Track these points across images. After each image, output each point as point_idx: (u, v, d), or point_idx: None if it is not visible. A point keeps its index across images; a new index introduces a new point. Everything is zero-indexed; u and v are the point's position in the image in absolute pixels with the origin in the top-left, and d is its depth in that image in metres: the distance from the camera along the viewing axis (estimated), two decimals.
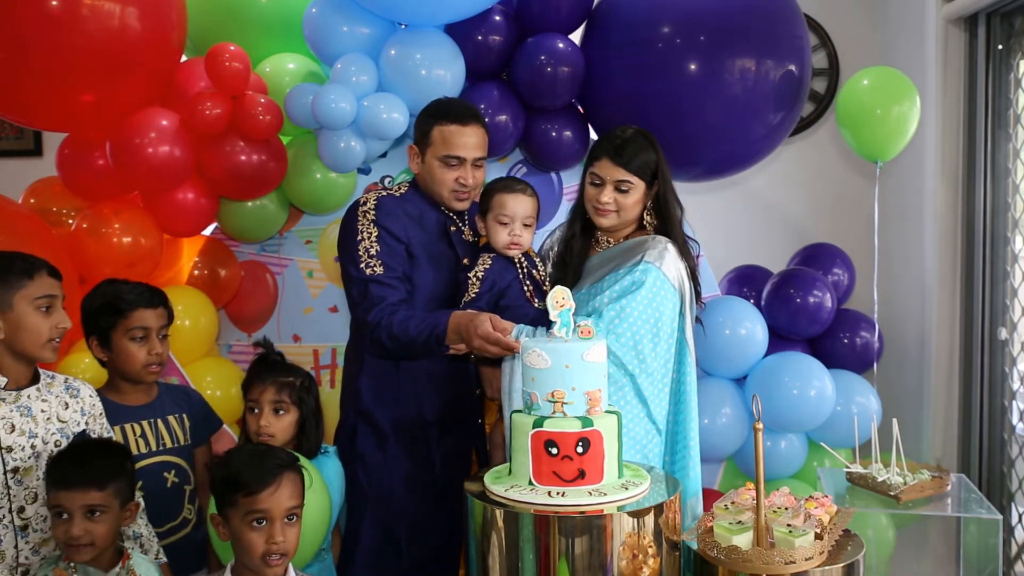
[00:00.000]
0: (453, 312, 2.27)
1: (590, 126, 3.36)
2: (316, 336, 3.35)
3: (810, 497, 2.00)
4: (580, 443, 1.88)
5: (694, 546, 1.94)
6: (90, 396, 2.18)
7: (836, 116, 3.50)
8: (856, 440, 2.93)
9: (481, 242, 2.56)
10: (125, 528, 2.06)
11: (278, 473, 1.88)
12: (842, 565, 1.85)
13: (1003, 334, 3.44)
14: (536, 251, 2.68)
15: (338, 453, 2.54)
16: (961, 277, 3.61)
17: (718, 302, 3.36)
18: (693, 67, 3.08)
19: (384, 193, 2.53)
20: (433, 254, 2.51)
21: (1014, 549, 3.38)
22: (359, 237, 2.43)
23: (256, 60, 3.09)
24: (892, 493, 2.60)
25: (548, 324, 2.07)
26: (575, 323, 2.01)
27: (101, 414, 2.20)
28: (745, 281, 3.68)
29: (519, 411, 2.00)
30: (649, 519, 1.88)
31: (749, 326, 3.29)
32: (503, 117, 3.14)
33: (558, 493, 1.87)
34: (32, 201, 3.16)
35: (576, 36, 3.29)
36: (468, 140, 2.48)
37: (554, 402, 1.90)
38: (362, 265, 2.39)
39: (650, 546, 1.87)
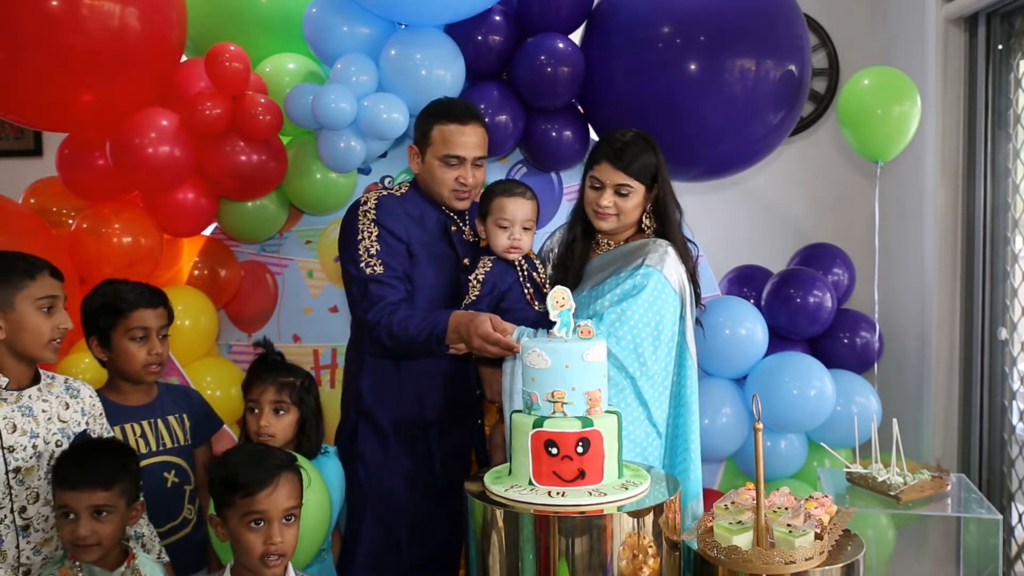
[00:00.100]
0: (453, 312, 2.27)
1: (590, 126, 3.36)
2: (316, 336, 3.35)
3: (810, 497, 2.00)
4: (580, 443, 1.88)
5: (694, 546, 1.94)
6: (90, 396, 2.19)
7: (837, 116, 3.50)
8: (856, 440, 2.93)
9: (482, 243, 2.56)
10: (128, 528, 2.06)
11: (275, 474, 1.88)
12: (842, 565, 1.85)
13: (1003, 334, 3.44)
14: (536, 253, 2.68)
15: (338, 452, 2.54)
16: (961, 277, 3.61)
17: (718, 302, 3.36)
18: (693, 67, 3.08)
19: (385, 193, 2.53)
20: (433, 254, 2.51)
21: (1014, 549, 3.38)
22: (359, 236, 2.43)
23: (256, 60, 3.09)
24: (892, 493, 2.60)
25: (548, 326, 2.07)
26: (575, 323, 2.01)
27: (101, 414, 2.20)
28: (745, 281, 3.68)
29: (519, 411, 2.00)
30: (649, 519, 1.88)
31: (749, 326, 3.29)
32: (503, 117, 3.14)
33: (558, 493, 1.87)
34: (32, 201, 3.16)
35: (576, 36, 3.29)
36: (468, 140, 2.48)
37: (554, 402, 1.90)
38: (362, 264, 2.40)
39: (650, 546, 1.87)
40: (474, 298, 2.44)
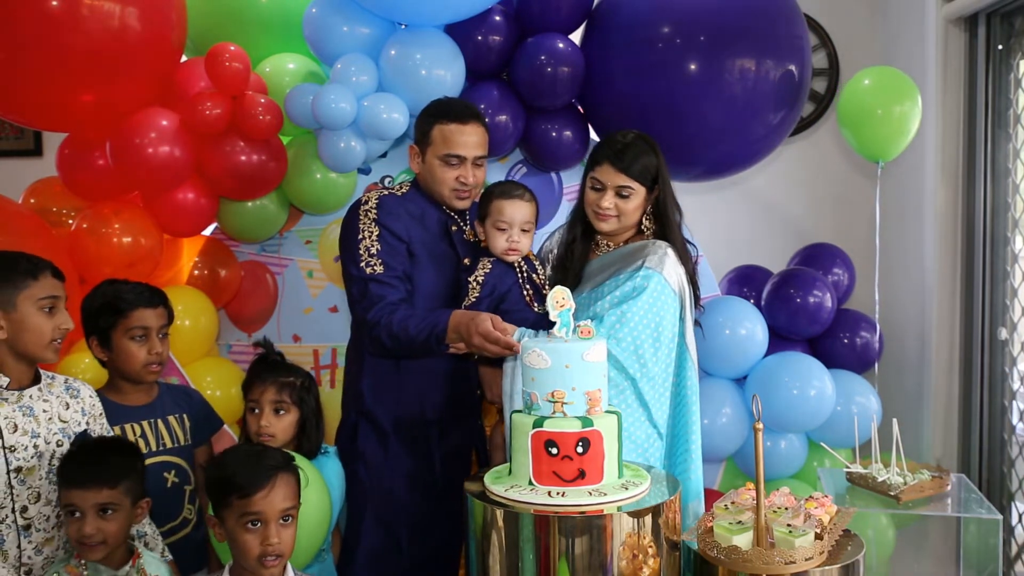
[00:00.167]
0: (453, 311, 2.27)
1: (590, 126, 3.36)
2: (316, 336, 3.35)
3: (810, 497, 2.00)
4: (580, 443, 1.88)
5: (694, 546, 1.94)
6: (90, 396, 2.19)
7: (837, 116, 3.51)
8: (856, 440, 2.93)
9: (483, 243, 2.56)
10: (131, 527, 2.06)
11: (272, 475, 1.87)
12: (842, 565, 1.85)
13: (1003, 334, 3.45)
14: (535, 253, 2.68)
15: (339, 452, 2.54)
16: (961, 277, 3.61)
17: (718, 302, 3.36)
18: (693, 67, 3.08)
19: (386, 192, 2.53)
20: (434, 253, 2.51)
21: (1014, 549, 3.38)
22: (360, 236, 2.43)
23: (256, 60, 3.09)
24: (892, 493, 2.60)
25: (548, 328, 2.07)
26: (575, 323, 2.01)
27: (101, 414, 2.20)
28: (745, 281, 3.68)
29: (519, 411, 2.00)
30: (649, 519, 1.88)
31: (749, 326, 3.29)
32: (503, 117, 3.14)
33: (558, 493, 1.87)
34: (32, 201, 3.16)
35: (576, 36, 3.29)
36: (468, 139, 2.48)
37: (554, 402, 1.90)
38: (362, 264, 2.40)
39: (650, 546, 1.87)
40: (474, 299, 2.43)
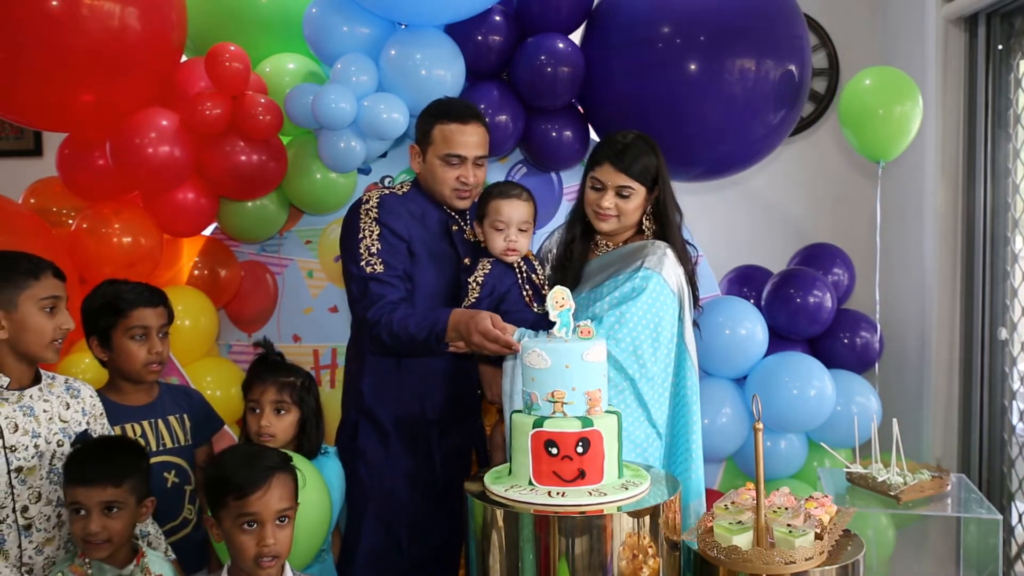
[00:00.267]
0: (453, 310, 2.27)
1: (590, 126, 3.36)
2: (316, 336, 3.35)
3: (810, 497, 2.00)
4: (580, 443, 1.88)
5: (694, 546, 1.94)
6: (90, 396, 2.19)
7: (839, 116, 3.51)
8: (856, 440, 2.93)
9: (483, 244, 2.56)
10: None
11: (268, 475, 1.86)
12: (842, 565, 1.85)
13: (1003, 334, 3.45)
14: (535, 253, 2.68)
15: (339, 451, 2.54)
16: (961, 277, 3.61)
17: (718, 302, 3.36)
18: (693, 67, 3.08)
19: (387, 191, 2.54)
20: (434, 252, 2.51)
21: (1014, 549, 3.38)
22: (361, 235, 2.43)
23: (256, 60, 3.09)
24: (892, 493, 2.60)
25: (548, 328, 2.07)
26: (575, 323, 2.01)
27: (102, 414, 2.20)
28: (745, 281, 3.68)
29: (519, 411, 2.00)
30: (649, 519, 1.87)
31: (749, 326, 3.29)
32: (503, 117, 3.14)
33: (558, 493, 1.87)
34: (32, 201, 3.16)
35: (576, 36, 3.29)
36: (469, 139, 2.48)
37: (554, 402, 1.90)
38: (362, 263, 2.40)
39: (650, 546, 1.87)
40: (473, 300, 2.44)
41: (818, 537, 1.84)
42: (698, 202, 3.87)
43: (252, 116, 2.93)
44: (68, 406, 2.11)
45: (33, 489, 2.00)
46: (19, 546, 1.98)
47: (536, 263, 2.59)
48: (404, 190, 2.57)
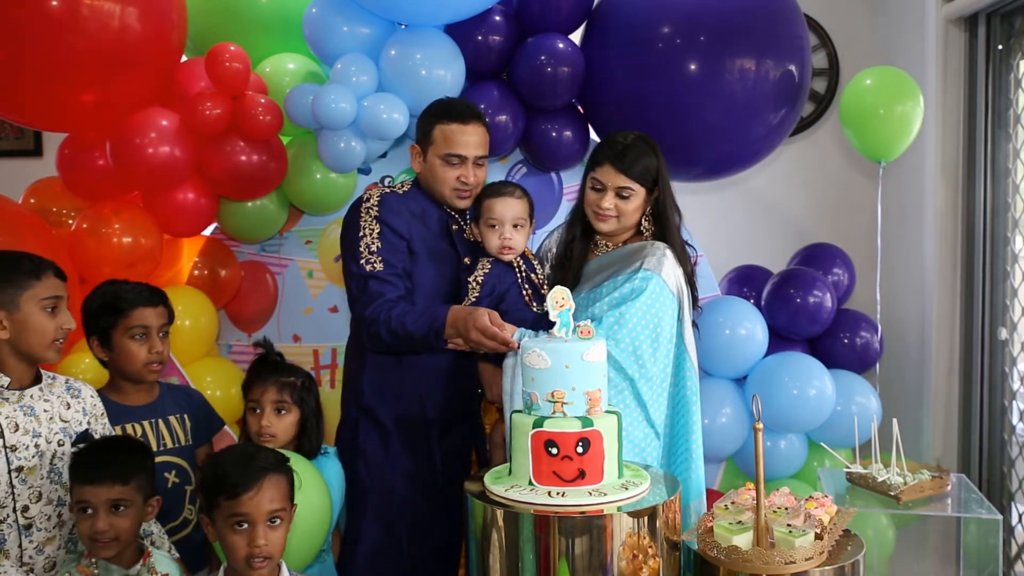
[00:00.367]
0: (452, 307, 2.28)
1: (590, 126, 3.36)
2: (316, 336, 3.35)
3: (810, 497, 2.00)
4: (580, 443, 1.88)
5: (694, 546, 1.94)
6: (91, 396, 2.19)
7: (840, 116, 3.50)
8: (856, 440, 2.93)
9: (482, 244, 2.56)
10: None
11: (259, 476, 1.85)
12: (842, 565, 1.85)
13: (1003, 334, 3.45)
14: (534, 252, 2.69)
15: (339, 449, 2.54)
16: (961, 277, 3.61)
17: (718, 302, 3.36)
18: (693, 67, 3.08)
19: (388, 190, 2.54)
20: (434, 251, 2.52)
21: (1014, 549, 3.38)
22: (361, 233, 2.43)
23: (256, 60, 3.09)
24: (892, 493, 2.60)
25: (547, 327, 2.07)
26: (575, 323, 2.01)
27: (103, 414, 2.20)
28: (745, 281, 3.68)
29: (519, 411, 2.00)
30: (649, 519, 1.87)
31: (749, 326, 3.29)
32: (503, 117, 3.14)
33: (558, 493, 1.87)
34: (32, 201, 3.16)
35: (576, 36, 3.29)
36: (469, 139, 2.49)
37: (554, 402, 1.90)
38: (362, 261, 2.40)
39: (650, 546, 1.87)
40: (473, 299, 2.44)
41: (818, 537, 1.84)
42: (698, 202, 3.87)
43: (252, 116, 2.93)
44: (69, 406, 2.11)
45: (34, 489, 2.00)
46: (19, 545, 1.98)
47: (535, 262, 2.59)
48: (405, 189, 2.57)
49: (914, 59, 3.72)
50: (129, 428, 2.30)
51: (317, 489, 2.27)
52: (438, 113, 2.52)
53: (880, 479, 2.66)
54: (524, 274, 2.52)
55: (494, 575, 1.89)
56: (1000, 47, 3.48)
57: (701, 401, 2.52)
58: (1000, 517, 2.60)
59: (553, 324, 2.00)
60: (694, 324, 2.58)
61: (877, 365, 3.50)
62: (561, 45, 3.13)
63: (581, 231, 2.59)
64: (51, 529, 2.03)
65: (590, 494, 1.87)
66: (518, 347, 2.18)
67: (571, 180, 3.41)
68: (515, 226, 2.48)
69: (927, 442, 3.64)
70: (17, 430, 1.99)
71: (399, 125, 2.98)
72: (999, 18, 3.46)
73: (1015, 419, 3.41)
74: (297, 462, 2.16)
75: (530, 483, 1.90)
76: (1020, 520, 3.39)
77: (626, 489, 1.91)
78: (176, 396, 2.49)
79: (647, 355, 2.34)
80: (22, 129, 4.16)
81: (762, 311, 3.42)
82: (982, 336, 3.53)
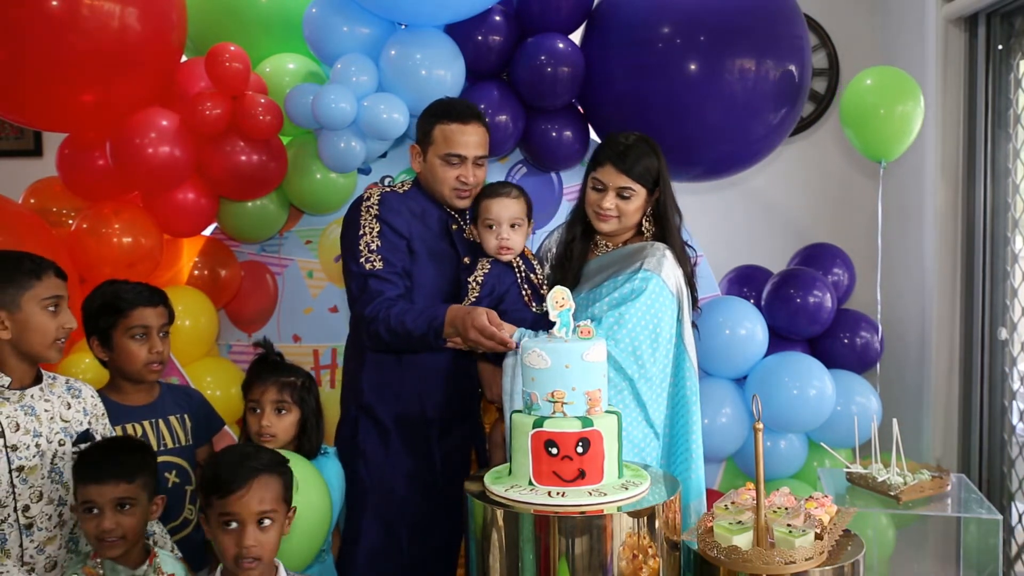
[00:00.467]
0: (451, 306, 2.28)
1: (590, 126, 3.36)
2: (316, 336, 3.35)
3: (810, 497, 2.00)
4: (580, 443, 1.88)
5: (694, 546, 1.94)
6: (92, 396, 2.19)
7: (840, 116, 3.50)
8: (856, 440, 2.93)
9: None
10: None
11: (249, 476, 1.84)
12: (842, 565, 1.85)
13: (1003, 334, 3.45)
14: (534, 252, 2.69)
15: (338, 448, 2.54)
16: (961, 277, 3.61)
17: (718, 302, 3.36)
18: (693, 67, 3.08)
19: (388, 189, 2.55)
20: (434, 251, 2.52)
21: (1014, 549, 3.38)
22: (361, 232, 2.44)
23: (256, 60, 3.09)
24: (892, 493, 2.60)
25: (546, 327, 2.07)
26: (575, 323, 2.01)
27: (103, 414, 2.20)
28: (745, 281, 3.68)
29: (519, 411, 2.00)
30: (649, 519, 1.87)
31: (749, 326, 3.29)
32: (503, 117, 3.14)
33: (558, 493, 1.87)
34: (32, 201, 3.16)
35: (576, 36, 3.29)
36: (469, 139, 2.49)
37: (554, 402, 1.90)
38: (362, 260, 2.41)
39: (650, 546, 1.87)
40: (473, 299, 2.44)
41: (818, 537, 1.84)
42: (698, 202, 3.87)
43: (252, 116, 2.93)
44: (69, 406, 2.11)
45: (34, 488, 2.00)
46: (20, 545, 1.98)
47: (535, 263, 2.60)
48: (405, 189, 2.58)
49: (914, 59, 3.72)
50: (129, 428, 2.31)
51: (317, 489, 2.28)
52: (438, 113, 2.53)
53: (880, 479, 2.66)
54: (523, 274, 2.52)
55: (494, 575, 1.89)
56: (1000, 47, 3.48)
57: (701, 401, 2.52)
58: (1000, 517, 2.59)
59: (552, 324, 2.00)
60: (694, 325, 2.58)
61: (877, 365, 3.50)
62: (561, 45, 3.13)
63: (581, 231, 2.59)
64: (52, 529, 2.03)
65: (590, 494, 1.87)
66: (516, 347, 2.18)
67: (571, 180, 3.41)
68: (512, 226, 2.48)
69: (927, 442, 3.64)
70: (18, 430, 1.99)
71: (399, 125, 2.98)
72: (999, 18, 3.46)
73: (1015, 419, 3.41)
74: (297, 462, 2.16)
75: (530, 483, 1.90)
76: (1020, 520, 3.39)
77: (626, 489, 1.91)
78: (176, 396, 2.49)
79: (646, 355, 2.35)
80: (22, 129, 4.16)
81: (762, 311, 3.42)
82: (982, 336, 3.52)
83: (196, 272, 3.26)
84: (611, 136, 2.55)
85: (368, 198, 2.49)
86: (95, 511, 1.91)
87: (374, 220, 2.45)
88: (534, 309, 2.48)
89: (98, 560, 1.92)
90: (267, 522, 1.85)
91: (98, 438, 2.12)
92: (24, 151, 4.22)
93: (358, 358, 2.56)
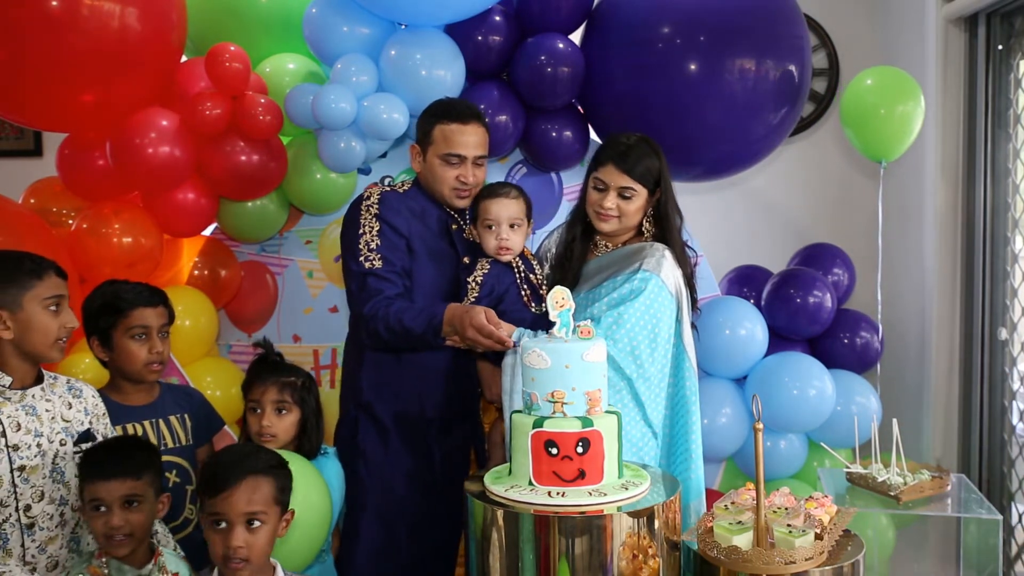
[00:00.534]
0: (449, 304, 2.28)
1: (590, 126, 3.36)
2: (316, 336, 3.35)
3: (810, 497, 2.00)
4: (580, 443, 1.88)
5: (694, 546, 1.94)
6: (92, 396, 2.19)
7: (840, 116, 3.51)
8: (856, 440, 2.93)
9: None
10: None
11: (238, 477, 1.84)
12: (842, 565, 1.85)
13: (1003, 334, 3.45)
14: (533, 252, 2.69)
15: (338, 447, 2.55)
16: (961, 277, 3.61)
17: (718, 302, 3.36)
18: (693, 67, 3.08)
19: (388, 189, 2.55)
20: (433, 250, 2.52)
21: (1014, 549, 3.38)
22: (360, 231, 2.44)
23: (256, 60, 3.09)
24: (892, 493, 2.60)
25: (545, 328, 2.07)
26: (575, 323, 2.01)
27: (104, 414, 2.21)
28: (745, 281, 3.68)
29: (519, 411, 2.00)
30: (649, 519, 1.87)
31: (749, 326, 3.29)
32: (503, 117, 3.14)
33: (558, 493, 1.87)
34: (32, 201, 3.16)
35: (576, 36, 3.29)
36: (469, 139, 2.50)
37: (554, 402, 1.90)
38: (361, 258, 2.41)
39: (650, 546, 1.87)
40: (473, 299, 2.44)
41: (818, 537, 1.84)
42: (698, 202, 3.87)
43: (252, 116, 2.93)
44: (70, 406, 2.11)
45: (36, 488, 2.00)
46: (22, 545, 1.98)
47: (534, 263, 2.60)
48: (405, 188, 2.58)
49: (914, 59, 3.72)
50: (130, 428, 2.31)
51: (317, 489, 2.28)
52: (438, 113, 2.53)
53: (880, 479, 2.66)
54: (523, 275, 2.52)
55: (494, 575, 1.89)
56: (1000, 47, 3.49)
57: (701, 401, 2.52)
58: (1000, 517, 2.59)
59: (551, 324, 2.00)
60: (693, 326, 2.58)
61: (877, 365, 3.50)
62: (561, 45, 3.12)
63: (581, 231, 2.60)
64: (53, 528, 2.03)
65: (590, 494, 1.87)
66: (513, 346, 2.18)
67: (571, 180, 3.40)
68: (512, 226, 2.48)
69: (927, 442, 3.64)
70: (19, 429, 1.99)
71: (399, 125, 2.98)
72: (999, 18, 3.46)
73: (1015, 419, 3.41)
74: (297, 462, 2.16)
75: (530, 483, 1.90)
76: (1020, 520, 3.39)
77: (626, 489, 1.91)
78: (176, 396, 2.49)
79: (645, 355, 2.35)
80: (22, 129, 4.16)
81: (762, 311, 3.42)
82: (982, 336, 3.53)
83: (196, 272, 3.26)
84: (613, 136, 2.56)
85: (368, 197, 2.50)
86: (103, 508, 1.91)
87: (374, 219, 2.45)
88: (533, 309, 2.48)
89: (103, 560, 1.93)
90: (256, 523, 1.84)
91: (99, 438, 2.13)
92: (24, 151, 4.22)
93: (357, 357, 2.56)
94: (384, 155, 3.31)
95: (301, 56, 3.22)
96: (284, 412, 2.38)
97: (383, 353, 2.49)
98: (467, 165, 2.50)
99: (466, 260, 2.53)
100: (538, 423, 1.89)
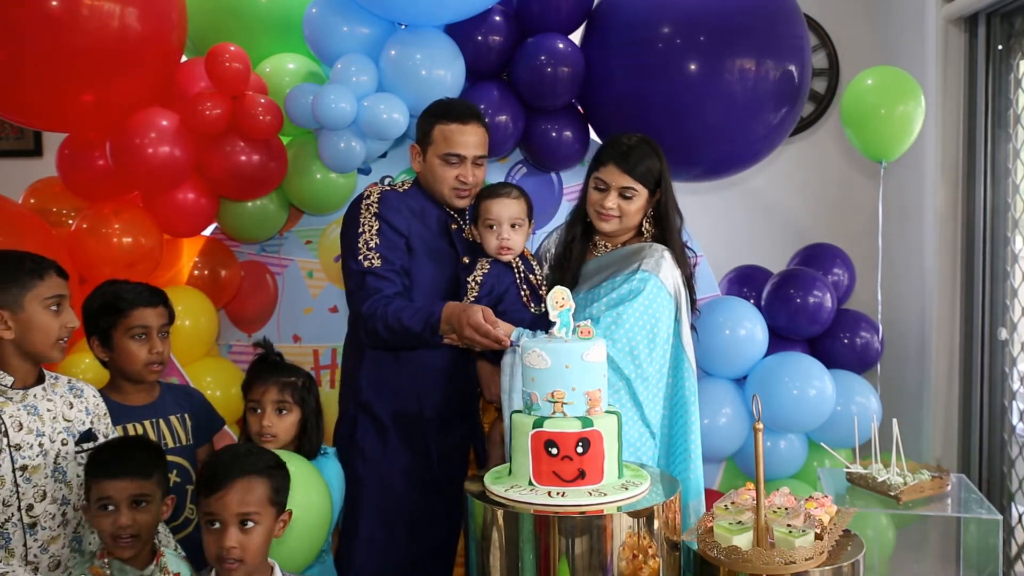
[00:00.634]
0: (448, 303, 2.29)
1: (590, 126, 3.36)
2: (316, 336, 3.35)
3: (810, 497, 2.00)
4: (580, 443, 1.88)
5: (694, 546, 1.94)
6: (94, 396, 2.19)
7: (840, 116, 3.51)
8: (856, 440, 2.93)
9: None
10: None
11: (232, 477, 1.83)
12: (842, 565, 1.85)
13: (1003, 334, 3.45)
14: (533, 252, 2.69)
15: (337, 446, 2.55)
16: (961, 277, 3.61)
17: (718, 302, 3.36)
18: (693, 67, 3.08)
19: (388, 188, 2.55)
20: (433, 250, 2.53)
21: (1014, 549, 3.38)
22: (360, 229, 2.45)
23: (256, 60, 3.09)
24: (892, 493, 2.60)
25: (544, 328, 2.07)
26: (574, 323, 2.01)
27: (106, 414, 2.21)
28: (745, 281, 3.68)
29: (519, 411, 2.00)
30: (649, 519, 1.87)
31: (749, 326, 3.29)
32: (503, 117, 3.14)
33: (558, 493, 1.87)
34: (32, 201, 3.16)
35: (576, 36, 3.29)
36: (468, 139, 2.50)
37: (554, 402, 1.90)
38: (360, 257, 2.41)
39: (650, 546, 1.87)
40: (472, 299, 2.44)
41: (818, 537, 1.84)
42: (698, 202, 3.87)
43: (252, 116, 2.93)
44: (72, 406, 2.12)
45: (38, 488, 2.00)
46: (24, 544, 1.98)
47: (534, 263, 2.60)
48: (405, 188, 2.58)
49: (914, 59, 3.73)
50: (130, 428, 2.31)
51: (317, 489, 2.28)
52: (438, 113, 2.54)
53: (880, 479, 2.66)
54: (523, 275, 2.52)
55: (494, 575, 1.89)
56: (1000, 47, 3.49)
57: (701, 401, 2.52)
58: (1000, 517, 2.59)
59: (551, 324, 2.00)
60: (692, 327, 2.58)
61: (877, 365, 3.50)
62: (561, 45, 3.13)
63: (581, 231, 2.60)
64: (55, 528, 2.03)
65: (590, 494, 1.87)
66: (512, 345, 2.18)
67: (571, 180, 3.41)
68: (513, 226, 2.48)
69: (927, 442, 3.64)
70: (21, 429, 1.99)
71: (399, 125, 2.98)
72: (999, 18, 3.46)
73: (1015, 419, 3.41)
74: (297, 462, 2.16)
75: (530, 483, 1.90)
76: (1020, 520, 3.39)
77: (626, 489, 1.91)
78: (176, 396, 2.49)
79: (643, 355, 2.35)
80: (22, 129, 4.16)
81: (762, 311, 3.42)
82: (982, 336, 3.53)
83: (196, 272, 3.26)
84: (614, 137, 2.56)
85: (368, 196, 2.50)
86: (111, 508, 1.91)
87: (373, 218, 2.45)
88: (532, 309, 2.48)
89: (105, 560, 1.93)
90: (250, 524, 1.84)
91: (101, 438, 2.13)
92: (24, 151, 4.22)
93: (356, 355, 2.57)
94: (384, 155, 3.31)
95: (301, 56, 3.22)
96: (284, 412, 2.38)
97: (382, 352, 2.49)
98: (467, 165, 2.50)
99: (466, 260, 2.53)
100: (538, 423, 1.89)
